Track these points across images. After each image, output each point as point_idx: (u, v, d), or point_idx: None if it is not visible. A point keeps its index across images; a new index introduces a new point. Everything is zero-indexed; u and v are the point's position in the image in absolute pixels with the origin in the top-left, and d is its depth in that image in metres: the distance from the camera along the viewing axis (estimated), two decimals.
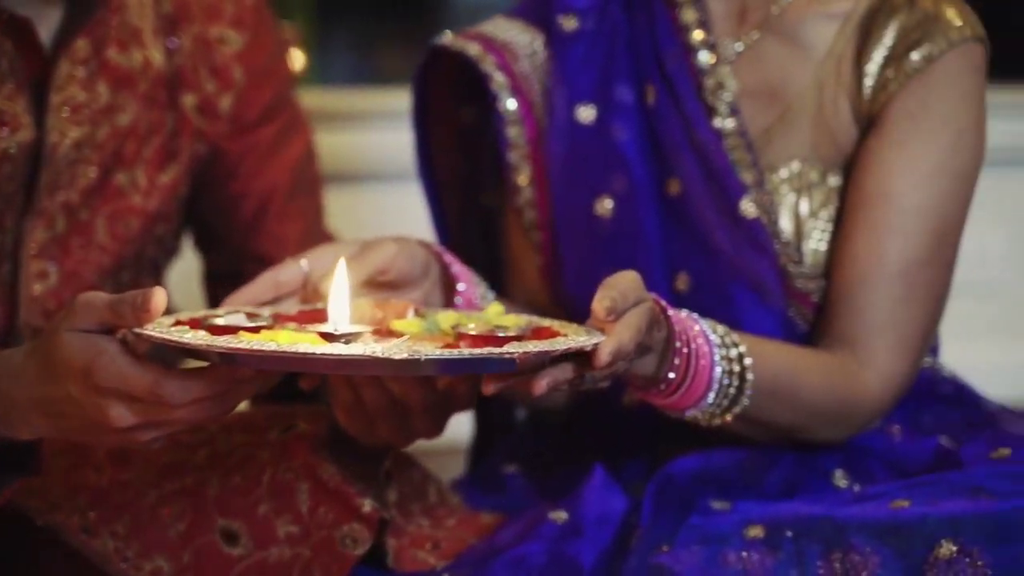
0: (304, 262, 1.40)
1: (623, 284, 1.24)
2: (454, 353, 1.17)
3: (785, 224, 1.56)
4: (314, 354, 1.14)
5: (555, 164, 1.61)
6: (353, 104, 2.91)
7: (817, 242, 1.56)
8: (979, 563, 1.28)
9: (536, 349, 1.19)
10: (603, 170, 1.60)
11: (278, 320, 1.32)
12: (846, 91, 1.56)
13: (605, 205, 1.59)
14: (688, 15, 1.59)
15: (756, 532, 1.37)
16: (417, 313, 1.36)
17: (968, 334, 1.96)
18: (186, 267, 1.91)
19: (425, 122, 1.73)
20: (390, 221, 2.82)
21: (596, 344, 1.21)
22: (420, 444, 1.61)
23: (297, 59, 2.87)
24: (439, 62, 1.69)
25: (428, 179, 1.74)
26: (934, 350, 1.66)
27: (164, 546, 1.39)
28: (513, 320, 1.31)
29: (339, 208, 2.79)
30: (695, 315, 1.39)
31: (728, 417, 1.42)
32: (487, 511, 1.55)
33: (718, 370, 1.38)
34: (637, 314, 1.24)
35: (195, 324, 1.25)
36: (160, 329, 1.19)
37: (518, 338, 1.24)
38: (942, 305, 1.56)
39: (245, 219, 1.78)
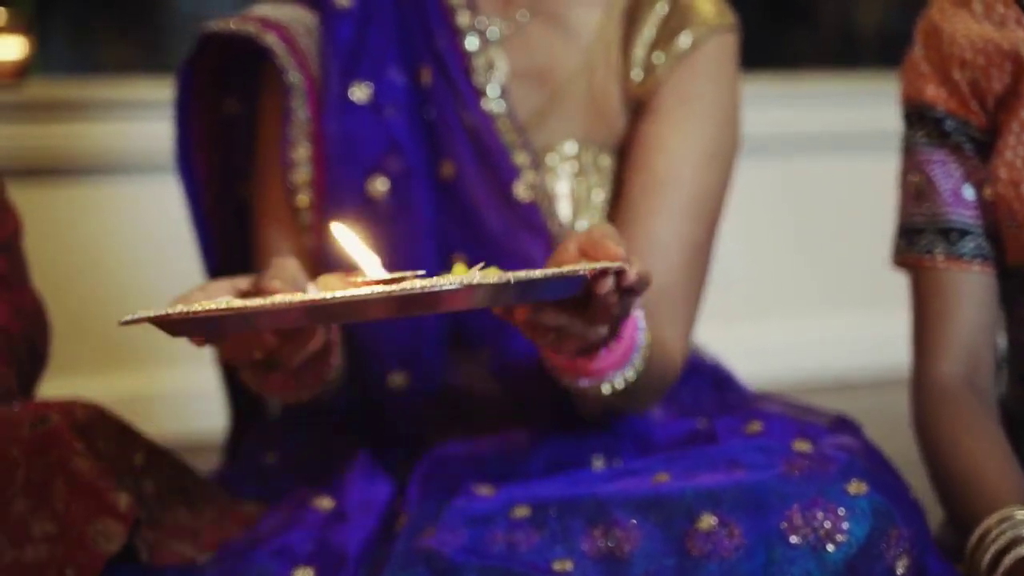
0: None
1: (616, 235, 1.23)
2: (536, 274, 1.15)
3: (562, 206, 1.59)
4: (438, 288, 1.11)
5: (330, 142, 1.59)
6: (77, 94, 2.82)
7: (593, 223, 1.58)
8: (736, 533, 1.33)
9: (592, 267, 1.18)
10: (377, 150, 1.59)
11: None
12: (615, 75, 1.60)
13: (379, 186, 1.58)
14: None
15: (522, 512, 1.39)
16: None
17: (706, 320, 2.02)
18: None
19: (186, 114, 1.69)
20: (108, 215, 2.76)
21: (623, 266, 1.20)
22: (173, 440, 1.58)
23: (19, 47, 2.77)
24: (200, 52, 1.65)
25: (188, 172, 1.71)
26: None
27: None
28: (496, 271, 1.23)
29: (57, 202, 2.72)
30: None
31: (622, 384, 1.40)
32: (248, 501, 1.53)
33: (641, 334, 1.37)
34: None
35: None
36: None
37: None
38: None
39: None
